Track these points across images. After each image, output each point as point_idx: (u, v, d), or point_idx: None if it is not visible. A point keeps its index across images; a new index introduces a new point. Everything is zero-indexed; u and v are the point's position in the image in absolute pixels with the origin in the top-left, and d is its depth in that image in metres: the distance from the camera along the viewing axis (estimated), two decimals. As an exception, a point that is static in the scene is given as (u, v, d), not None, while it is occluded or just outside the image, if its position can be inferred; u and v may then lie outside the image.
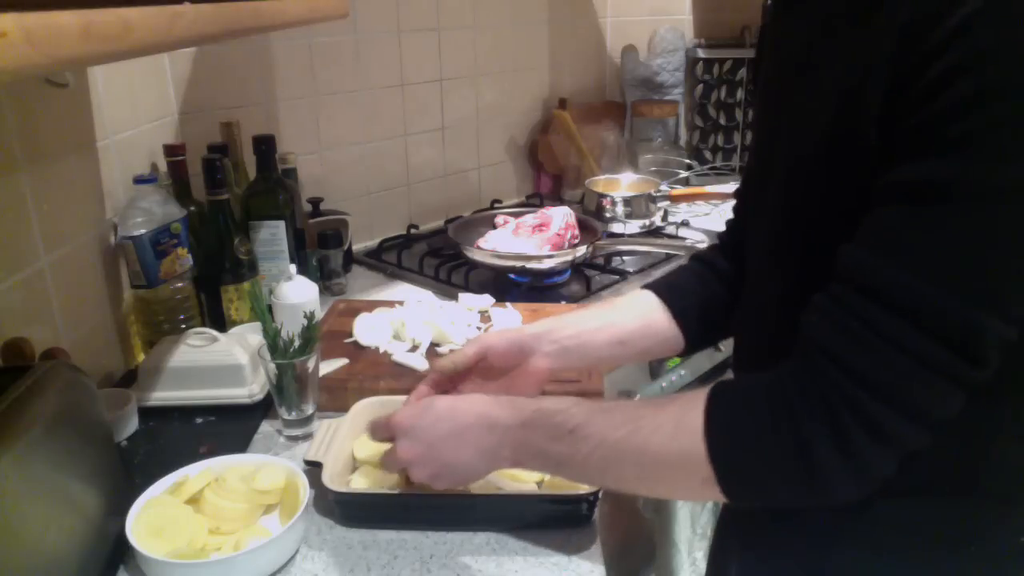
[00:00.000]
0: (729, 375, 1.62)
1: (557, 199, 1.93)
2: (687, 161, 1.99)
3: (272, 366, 0.90)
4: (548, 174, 2.02)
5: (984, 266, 0.50)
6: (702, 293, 0.85)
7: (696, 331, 0.85)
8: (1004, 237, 0.49)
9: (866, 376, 0.52)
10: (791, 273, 0.66)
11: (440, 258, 1.48)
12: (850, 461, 0.53)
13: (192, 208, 1.17)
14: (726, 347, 1.61)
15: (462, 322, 1.14)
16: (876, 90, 0.53)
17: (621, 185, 1.78)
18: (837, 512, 0.65)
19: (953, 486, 0.63)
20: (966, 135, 0.49)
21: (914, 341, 0.51)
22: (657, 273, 1.47)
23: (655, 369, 1.45)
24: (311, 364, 0.91)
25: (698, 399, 0.59)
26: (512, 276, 1.40)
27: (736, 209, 0.87)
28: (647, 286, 0.88)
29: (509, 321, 1.16)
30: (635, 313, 0.85)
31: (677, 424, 0.59)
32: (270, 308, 1.20)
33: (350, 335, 1.12)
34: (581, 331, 0.83)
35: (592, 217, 1.63)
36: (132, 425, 0.95)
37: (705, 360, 1.58)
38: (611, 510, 1.38)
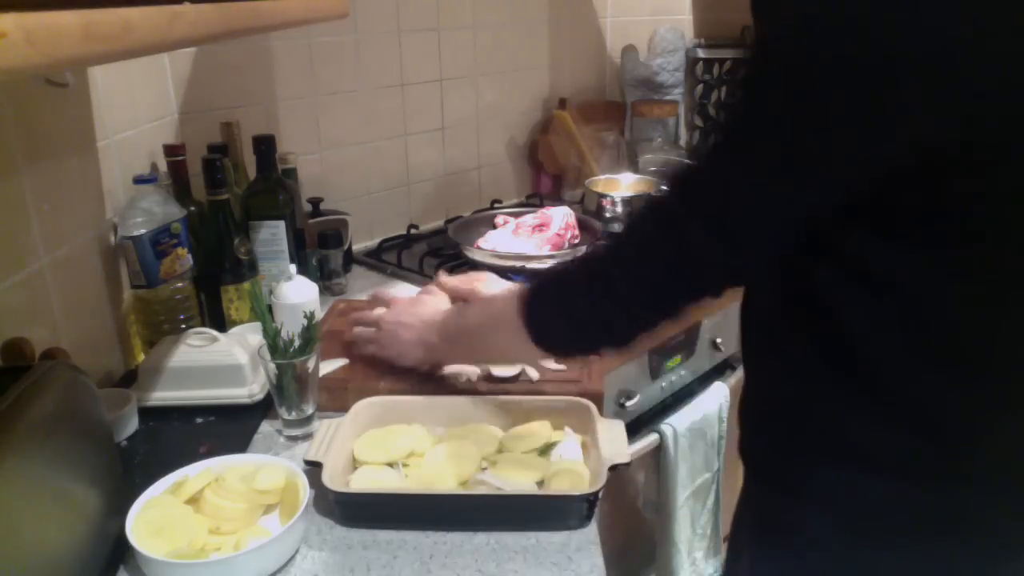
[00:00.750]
0: (729, 373, 1.62)
1: (557, 199, 1.93)
2: (687, 161, 1.99)
3: (272, 366, 0.90)
4: (548, 174, 2.02)
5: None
6: None
7: None
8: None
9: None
10: None
11: (440, 258, 1.48)
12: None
13: (192, 208, 1.17)
14: (726, 347, 1.61)
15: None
16: None
17: (621, 185, 1.78)
18: (836, 501, 0.66)
19: (941, 472, 0.64)
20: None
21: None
22: (657, 273, 1.47)
23: (655, 369, 1.45)
24: (311, 364, 0.91)
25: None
26: (512, 276, 1.40)
27: None
28: None
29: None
30: None
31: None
32: (270, 308, 1.20)
33: (350, 335, 1.12)
34: None
35: (592, 217, 1.63)
36: (132, 425, 0.95)
37: (705, 360, 1.58)
38: (611, 510, 1.38)
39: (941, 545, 0.65)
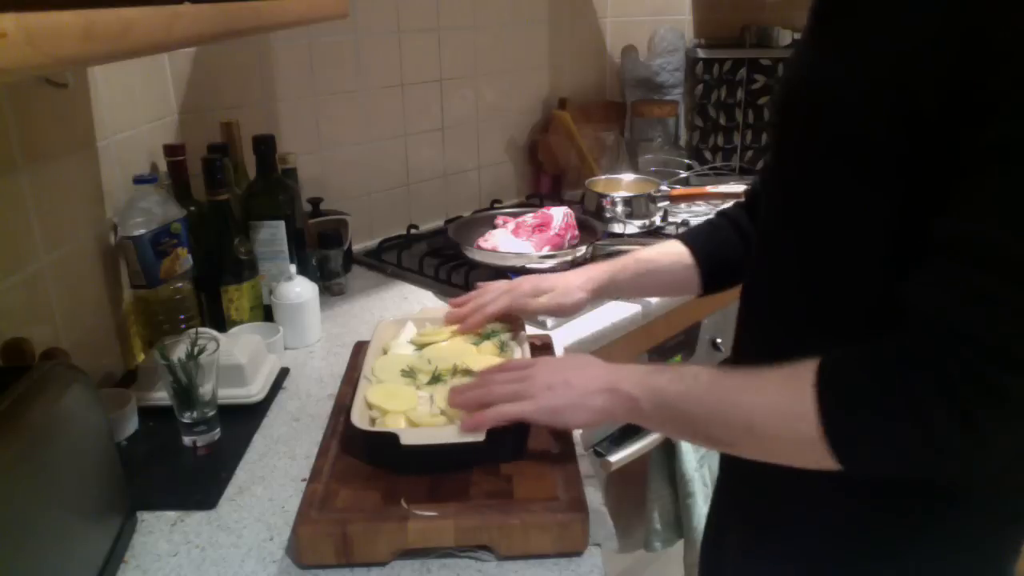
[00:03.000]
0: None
1: (557, 199, 1.92)
2: (687, 161, 1.99)
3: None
4: (548, 174, 2.02)
5: None
6: (718, 244, 0.96)
7: (709, 277, 0.96)
8: None
9: (974, 336, 0.52)
10: (805, 233, 0.68)
11: (440, 258, 1.48)
12: (961, 421, 0.53)
13: (192, 208, 1.17)
14: (726, 348, 1.62)
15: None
16: (941, 51, 0.53)
17: (621, 185, 1.78)
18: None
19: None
20: None
21: (1018, 297, 0.51)
22: (657, 273, 1.47)
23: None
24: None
25: (810, 362, 0.60)
26: (512, 276, 1.40)
27: (761, 169, 0.91)
28: (677, 236, 1.01)
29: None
30: (667, 253, 0.99)
31: (787, 377, 0.61)
32: (269, 308, 1.20)
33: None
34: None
35: (592, 217, 1.63)
36: (132, 425, 0.95)
37: (705, 360, 1.59)
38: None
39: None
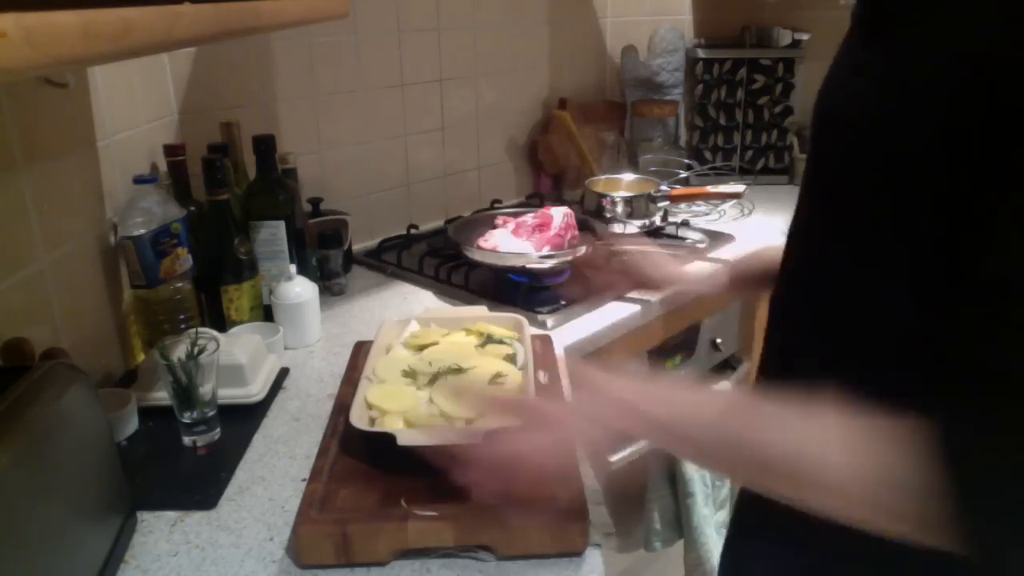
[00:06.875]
0: (729, 373, 1.61)
1: (557, 199, 1.92)
2: (687, 161, 1.99)
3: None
4: (548, 174, 2.02)
5: None
6: None
7: None
8: None
9: None
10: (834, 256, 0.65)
11: (440, 258, 1.48)
12: None
13: (192, 208, 1.17)
14: (726, 347, 1.62)
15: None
16: (1007, 71, 0.48)
17: (621, 185, 1.78)
18: None
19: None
20: None
21: None
22: (657, 273, 1.47)
23: (655, 369, 1.45)
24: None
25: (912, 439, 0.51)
26: (512, 276, 1.40)
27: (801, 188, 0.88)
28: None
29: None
30: None
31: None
32: (269, 308, 1.20)
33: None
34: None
35: (592, 217, 1.63)
36: (132, 425, 0.95)
37: (705, 360, 1.59)
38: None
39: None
